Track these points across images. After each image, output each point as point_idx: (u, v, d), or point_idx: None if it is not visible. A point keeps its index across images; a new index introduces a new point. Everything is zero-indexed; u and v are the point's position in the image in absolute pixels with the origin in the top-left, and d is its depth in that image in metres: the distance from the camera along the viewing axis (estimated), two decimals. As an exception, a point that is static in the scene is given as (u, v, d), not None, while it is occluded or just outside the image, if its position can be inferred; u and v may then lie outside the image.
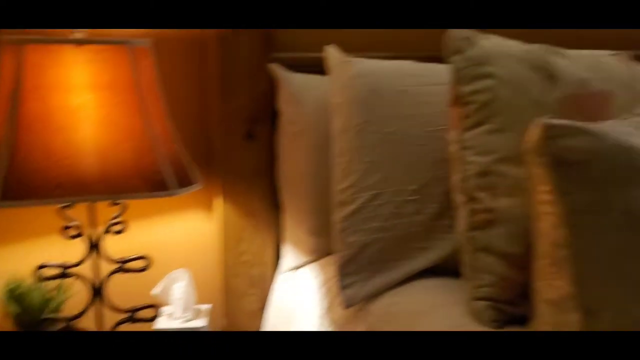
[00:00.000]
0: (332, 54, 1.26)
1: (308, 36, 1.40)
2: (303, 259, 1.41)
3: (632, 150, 0.86)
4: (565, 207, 0.84)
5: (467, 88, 1.05)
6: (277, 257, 1.49)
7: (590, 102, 1.07)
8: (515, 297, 1.01)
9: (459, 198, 1.07)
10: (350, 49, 1.28)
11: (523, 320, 0.99)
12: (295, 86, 1.36)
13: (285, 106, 1.37)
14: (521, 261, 0.98)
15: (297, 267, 1.42)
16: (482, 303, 1.02)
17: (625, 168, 0.85)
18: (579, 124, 0.84)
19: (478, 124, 1.04)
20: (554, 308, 0.89)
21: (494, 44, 1.07)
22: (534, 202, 0.90)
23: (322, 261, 1.37)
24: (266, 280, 1.50)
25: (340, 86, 1.21)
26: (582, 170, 0.84)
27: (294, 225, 1.42)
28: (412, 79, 1.22)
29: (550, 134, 0.83)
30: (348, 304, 1.15)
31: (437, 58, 1.18)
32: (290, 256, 1.44)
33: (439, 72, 1.18)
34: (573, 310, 0.87)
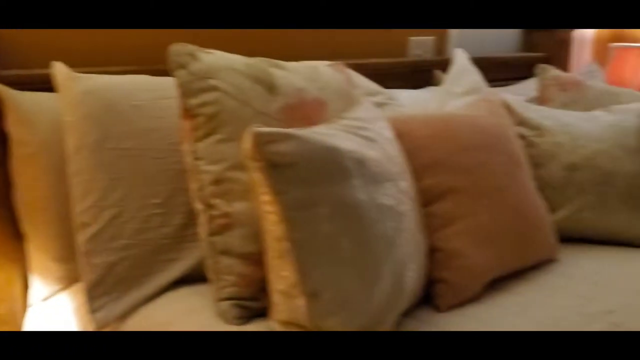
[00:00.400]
0: (60, 70, 1.21)
1: (35, 51, 1.33)
2: (53, 288, 1.33)
3: (335, 150, 0.99)
4: (282, 205, 0.93)
5: (194, 101, 1.10)
6: (27, 289, 1.39)
7: (307, 110, 1.20)
8: (257, 293, 1.09)
9: (198, 206, 1.12)
10: (80, 64, 1.25)
11: (265, 313, 1.07)
12: (24, 106, 1.28)
13: (14, 128, 1.28)
14: (258, 259, 1.06)
15: (48, 298, 1.34)
16: (227, 303, 1.08)
17: (330, 166, 0.98)
18: (285, 130, 0.94)
19: (208, 135, 1.10)
20: (284, 296, 0.99)
21: (216, 58, 1.14)
22: (258, 203, 0.98)
23: (74, 287, 1.31)
24: (17, 316, 1.38)
25: (70, 103, 1.18)
26: (293, 171, 0.94)
27: (39, 253, 1.33)
28: (147, 94, 1.24)
29: (261, 140, 0.91)
30: (100, 326, 1.13)
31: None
32: (39, 287, 1.35)
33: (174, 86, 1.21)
34: (299, 295, 0.97)
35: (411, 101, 1.63)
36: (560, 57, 2.37)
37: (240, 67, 1.14)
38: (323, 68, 1.33)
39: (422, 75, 2.01)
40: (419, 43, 2.10)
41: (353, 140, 1.05)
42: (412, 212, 1.11)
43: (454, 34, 2.20)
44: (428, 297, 1.21)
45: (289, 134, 0.94)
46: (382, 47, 2.01)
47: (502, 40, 2.37)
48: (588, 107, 1.72)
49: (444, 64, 1.95)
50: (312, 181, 0.95)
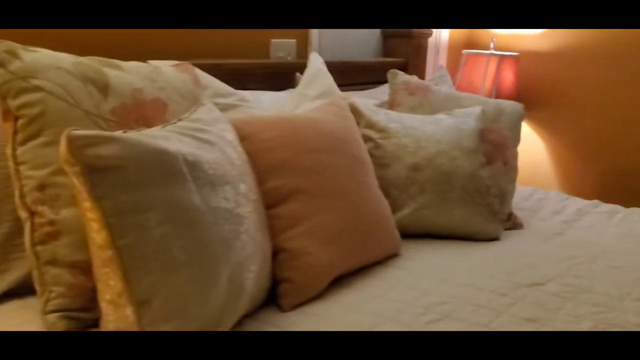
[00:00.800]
0: None
1: None
2: None
3: (165, 153, 0.97)
4: (102, 211, 0.89)
5: (15, 102, 1.03)
6: None
7: (144, 111, 1.17)
8: (87, 303, 1.04)
9: (22, 214, 1.05)
10: None
11: (97, 324, 1.03)
12: None
13: None
14: (88, 268, 1.01)
15: None
16: (55, 315, 1.02)
17: (159, 169, 0.95)
18: (105, 132, 0.91)
19: (30, 138, 1.03)
20: (113, 306, 0.95)
21: (41, 57, 1.08)
22: (82, 209, 0.93)
23: None
24: None
25: None
26: (117, 175, 0.91)
27: None
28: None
29: (76, 144, 0.87)
30: None
31: None
32: None
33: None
34: (127, 304, 0.94)
35: (266, 103, 1.64)
36: (416, 63, 2.50)
37: (68, 66, 1.09)
38: (166, 68, 1.30)
39: (283, 77, 2.03)
40: (281, 45, 2.12)
41: (188, 143, 1.04)
42: (253, 215, 1.12)
43: (315, 37, 2.25)
44: (274, 298, 1.22)
45: (109, 137, 0.90)
46: (243, 48, 2.01)
47: (363, 46, 2.46)
48: (434, 110, 1.83)
49: (305, 67, 1.99)
50: (138, 185, 0.92)
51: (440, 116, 1.75)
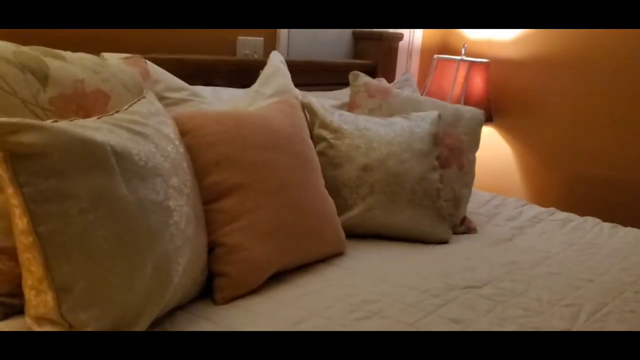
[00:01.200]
0: None
1: None
2: None
3: (91, 142, 0.98)
4: (24, 198, 0.91)
5: (-52, 88, 1.04)
6: None
7: (85, 101, 1.18)
8: (16, 289, 1.05)
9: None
10: None
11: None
12: None
13: None
14: (16, 254, 1.02)
15: None
16: (-18, 300, 1.03)
17: (84, 158, 0.97)
18: (30, 120, 0.92)
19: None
20: (35, 292, 0.96)
21: (-22, 45, 1.09)
22: (6, 196, 0.95)
23: None
24: None
25: None
26: (39, 163, 0.92)
27: None
28: None
29: (1, 131, 0.89)
30: None
31: None
32: None
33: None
34: (48, 290, 0.95)
35: (219, 100, 1.65)
36: (386, 66, 2.52)
37: (7, 55, 1.10)
38: (113, 60, 1.32)
39: (249, 75, 2.04)
40: (248, 43, 2.13)
41: (119, 134, 1.05)
42: (185, 208, 1.13)
43: (285, 36, 2.26)
44: (211, 292, 1.24)
45: (33, 124, 0.92)
46: (209, 44, 2.02)
47: (333, 47, 2.48)
48: (392, 113, 1.85)
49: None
50: (61, 173, 0.94)
51: (396, 119, 1.78)
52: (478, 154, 1.96)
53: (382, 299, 1.26)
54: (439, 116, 1.81)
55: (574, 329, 1.17)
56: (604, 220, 1.98)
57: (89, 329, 0.96)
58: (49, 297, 0.95)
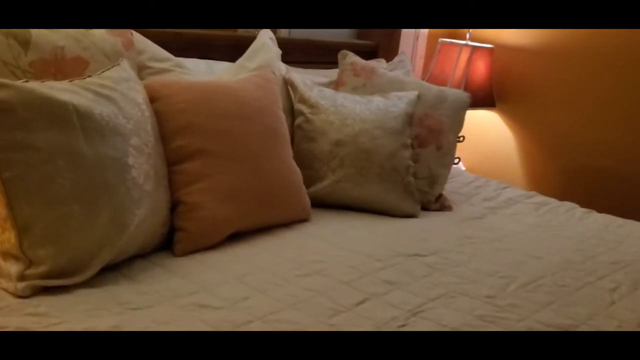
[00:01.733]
0: None
1: None
2: None
3: (54, 101, 1.11)
4: (-9, 146, 1.05)
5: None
6: None
7: (64, 66, 1.31)
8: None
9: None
10: None
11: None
12: None
13: None
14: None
15: None
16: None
17: (47, 115, 1.10)
18: (1, 79, 1.06)
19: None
20: (0, 229, 1.11)
21: (-31, 11, 1.23)
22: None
23: None
24: None
25: None
26: (6, 116, 1.06)
27: None
28: None
29: (-30, 87, 1.03)
30: None
31: None
32: None
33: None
34: (11, 228, 1.09)
35: (203, 72, 1.75)
36: (388, 47, 2.58)
37: (-7, 22, 1.24)
38: (97, 31, 1.44)
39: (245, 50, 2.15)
40: (249, 21, 2.23)
41: (85, 96, 1.17)
42: (144, 166, 1.25)
43: (286, 15, 2.35)
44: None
45: (3, 83, 1.05)
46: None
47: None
48: (375, 92, 1.92)
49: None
50: (25, 127, 1.07)
51: (374, 97, 1.85)
52: (479, 139, 1.99)
53: (329, 261, 1.35)
54: (418, 97, 1.87)
55: (497, 297, 1.25)
56: (601, 211, 1.99)
57: (46, 266, 1.10)
58: (12, 235, 1.09)
